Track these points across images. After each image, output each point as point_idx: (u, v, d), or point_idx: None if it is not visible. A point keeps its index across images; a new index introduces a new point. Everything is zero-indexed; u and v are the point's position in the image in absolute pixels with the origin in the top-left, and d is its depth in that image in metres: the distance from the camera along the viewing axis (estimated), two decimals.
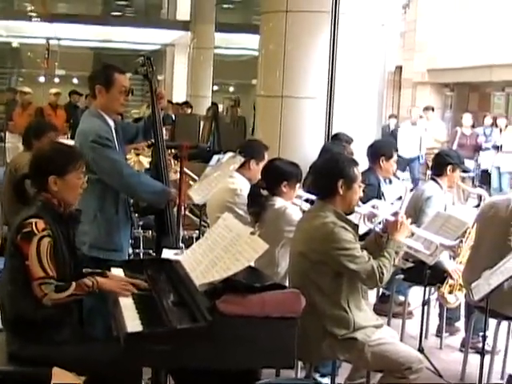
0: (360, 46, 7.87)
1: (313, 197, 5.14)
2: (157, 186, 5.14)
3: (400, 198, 7.08)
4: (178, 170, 6.33)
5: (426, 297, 6.19)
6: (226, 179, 6.01)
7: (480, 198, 7.75)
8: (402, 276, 6.57)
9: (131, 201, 5.27)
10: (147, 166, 8.65)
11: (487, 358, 5.19)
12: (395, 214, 4.69)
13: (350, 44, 7.67)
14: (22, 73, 29.54)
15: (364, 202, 5.20)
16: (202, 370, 3.56)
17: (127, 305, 3.84)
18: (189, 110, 17.01)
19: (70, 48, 28.26)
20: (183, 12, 24.24)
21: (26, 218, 3.88)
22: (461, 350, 6.35)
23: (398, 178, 7.96)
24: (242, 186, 6.03)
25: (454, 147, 14.82)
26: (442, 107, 24.03)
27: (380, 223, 4.82)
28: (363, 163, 6.25)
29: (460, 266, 6.18)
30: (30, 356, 3.82)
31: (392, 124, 18.83)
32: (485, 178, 16.14)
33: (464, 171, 7.15)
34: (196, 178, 7.51)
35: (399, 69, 25.46)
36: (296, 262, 4.57)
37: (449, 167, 6.59)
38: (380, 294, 7.43)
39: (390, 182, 7.29)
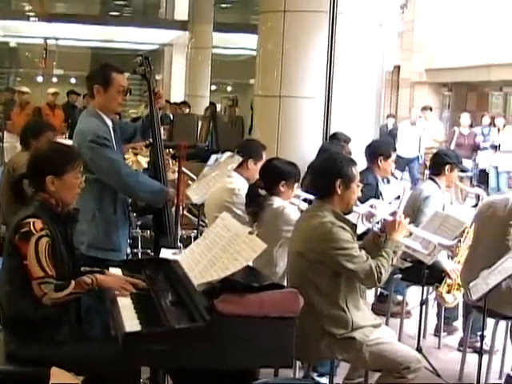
0: (358, 46, 7.87)
1: (311, 196, 5.14)
2: (155, 185, 5.14)
3: (398, 197, 7.08)
4: (176, 169, 6.33)
5: (424, 296, 6.19)
6: (224, 179, 6.00)
7: (478, 197, 7.76)
8: (400, 276, 6.57)
9: (129, 200, 5.27)
10: (145, 165, 8.66)
11: (485, 357, 5.19)
12: (393, 214, 4.69)
13: (347, 44, 7.68)
14: (19, 72, 29.54)
15: (362, 202, 5.21)
16: (200, 369, 3.56)
17: (125, 304, 3.84)
18: (187, 110, 17.01)
19: (67, 48, 28.25)
20: (181, 12, 24.22)
21: (24, 218, 3.88)
22: (459, 350, 6.35)
23: (396, 178, 7.96)
24: (240, 186, 6.03)
25: (452, 147, 14.82)
26: (440, 107, 24.04)
27: (378, 223, 4.83)
28: (361, 163, 6.25)
29: (458, 266, 6.19)
30: (29, 356, 3.82)
31: (390, 124, 18.83)
32: (483, 178, 16.15)
33: (462, 171, 7.16)
34: (195, 177, 7.50)
35: (397, 68, 25.46)
36: (294, 261, 4.57)
37: (447, 167, 6.59)
38: (378, 293, 7.44)
39: (388, 181, 7.31)
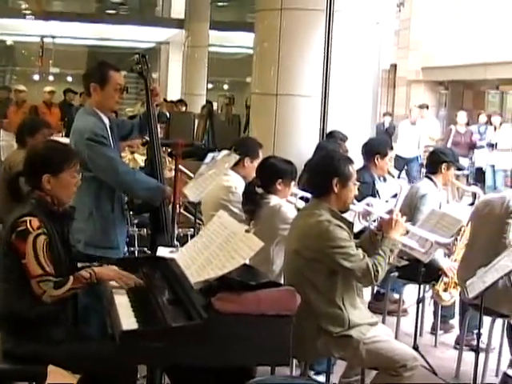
0: (354, 44, 7.87)
1: (308, 194, 5.14)
2: (152, 183, 5.14)
3: (395, 195, 7.09)
4: (173, 167, 6.33)
5: (421, 294, 6.20)
6: (220, 177, 6.01)
7: (474, 195, 7.77)
8: (396, 274, 6.57)
9: (126, 198, 5.27)
10: (142, 163, 8.66)
11: (482, 355, 5.20)
12: (390, 212, 4.70)
13: (344, 42, 7.68)
14: (16, 71, 29.51)
15: (359, 200, 5.21)
16: (197, 367, 3.56)
17: (122, 303, 3.84)
18: (183, 108, 17.00)
19: (64, 46, 28.23)
20: (178, 10, 24.22)
21: (21, 217, 3.88)
22: (455, 348, 6.35)
23: (393, 176, 7.96)
24: (237, 184, 6.04)
25: (449, 145, 14.81)
26: (436, 105, 24.04)
27: (375, 221, 4.82)
28: (358, 161, 6.25)
29: (455, 264, 6.20)
30: (25, 354, 3.82)
31: (387, 122, 18.81)
32: (479, 176, 16.16)
33: (458, 169, 7.16)
34: (192, 175, 7.50)
35: (394, 67, 25.44)
36: (291, 259, 4.57)
37: (443, 165, 6.60)
38: (375, 291, 7.44)
39: (385, 179, 7.30)
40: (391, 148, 7.28)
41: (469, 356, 5.75)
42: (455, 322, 6.79)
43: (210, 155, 7.62)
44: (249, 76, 11.27)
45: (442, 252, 6.29)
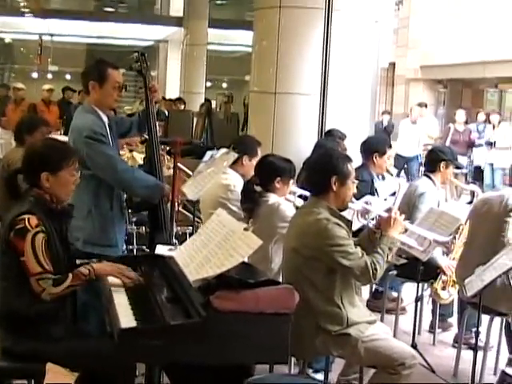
0: (353, 43, 7.87)
1: (306, 193, 5.14)
2: (150, 180, 5.15)
3: (393, 193, 7.09)
4: (172, 165, 6.33)
5: (419, 293, 6.21)
6: (219, 175, 6.01)
7: (473, 194, 7.77)
8: (395, 272, 6.57)
9: (125, 196, 5.27)
10: (140, 161, 8.66)
11: (480, 353, 5.21)
12: (388, 210, 4.70)
13: (343, 40, 7.68)
14: (14, 69, 29.50)
15: (357, 198, 5.21)
16: (196, 365, 3.56)
17: (121, 301, 3.84)
18: (182, 106, 17.01)
19: (63, 44, 28.21)
20: (176, 8, 24.22)
21: (19, 215, 3.87)
22: (454, 346, 6.36)
23: (392, 175, 7.96)
24: (236, 182, 6.03)
25: (447, 143, 14.80)
26: (435, 104, 24.03)
27: (373, 219, 4.83)
28: (356, 159, 6.25)
29: (453, 262, 6.20)
30: (24, 352, 3.81)
31: (385, 120, 18.78)
32: (478, 175, 16.14)
33: (457, 167, 7.17)
34: (190, 173, 7.50)
35: (392, 65, 25.42)
36: (289, 257, 4.57)
37: (442, 163, 6.60)
38: (373, 290, 7.45)
39: (383, 178, 7.30)
40: (390, 146, 7.28)
41: (467, 354, 5.75)
42: (453, 320, 6.80)
43: (208, 153, 7.64)
44: (247, 74, 11.27)
45: (441, 250, 6.29)
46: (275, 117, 7.97)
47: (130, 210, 6.14)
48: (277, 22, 7.90)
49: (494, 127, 15.78)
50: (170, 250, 4.51)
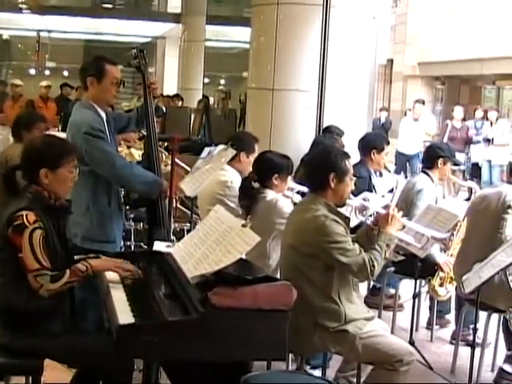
0: (351, 39, 7.86)
1: (304, 189, 5.14)
2: (149, 176, 5.15)
3: (391, 190, 7.09)
4: (169, 162, 6.32)
5: (417, 289, 6.21)
6: (217, 172, 6.00)
7: (471, 191, 7.79)
8: (392, 269, 6.58)
9: (123, 192, 5.27)
10: (138, 158, 8.65)
11: (478, 350, 5.22)
12: (386, 207, 4.70)
13: (341, 37, 7.68)
14: (12, 65, 29.44)
15: (355, 195, 5.21)
16: (194, 361, 3.57)
17: (119, 297, 3.84)
18: (180, 103, 16.99)
19: (60, 40, 28.18)
20: (174, 4, 24.22)
21: (17, 211, 3.87)
22: (451, 343, 6.37)
23: (389, 171, 7.96)
24: (233, 179, 6.03)
25: (445, 140, 14.77)
26: (432, 100, 24.05)
27: (371, 216, 4.83)
28: (354, 156, 6.25)
29: (451, 259, 6.21)
30: (22, 348, 3.81)
31: (383, 117, 18.80)
32: (475, 171, 16.16)
33: (455, 164, 7.16)
34: (188, 170, 7.50)
35: (390, 62, 25.44)
36: (287, 254, 4.57)
37: (440, 160, 6.60)
38: (371, 286, 7.45)
39: (381, 174, 7.30)
40: (388, 143, 7.28)
41: (465, 351, 5.76)
42: (451, 316, 6.80)
43: (206, 150, 7.62)
44: (245, 71, 11.23)
45: (438, 247, 6.30)
46: (273, 113, 7.96)
47: (127, 207, 6.13)
48: (274, 18, 7.89)
49: (491, 124, 15.79)
50: (168, 246, 4.51)
